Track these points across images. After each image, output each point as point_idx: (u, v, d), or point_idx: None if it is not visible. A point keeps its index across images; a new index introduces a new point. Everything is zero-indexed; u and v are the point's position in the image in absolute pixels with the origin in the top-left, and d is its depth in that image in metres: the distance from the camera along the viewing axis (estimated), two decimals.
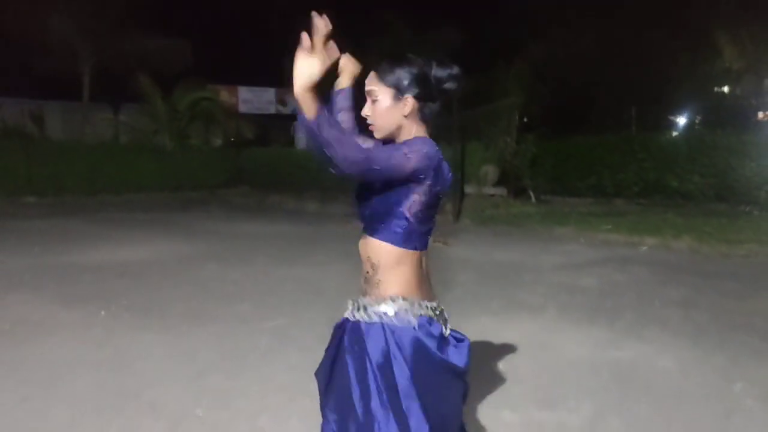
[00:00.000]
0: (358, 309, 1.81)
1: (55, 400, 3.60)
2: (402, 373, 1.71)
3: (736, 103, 23.50)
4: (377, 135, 1.85)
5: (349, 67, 2.03)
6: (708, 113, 22.24)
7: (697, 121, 22.67)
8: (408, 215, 1.75)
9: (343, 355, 1.80)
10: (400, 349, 1.73)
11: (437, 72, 1.83)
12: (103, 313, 5.47)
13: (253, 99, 27.19)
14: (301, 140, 24.37)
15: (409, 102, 1.80)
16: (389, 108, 1.80)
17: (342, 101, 2.07)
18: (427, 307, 1.82)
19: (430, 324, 1.79)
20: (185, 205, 15.16)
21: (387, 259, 1.79)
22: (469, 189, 14.41)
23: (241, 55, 26.14)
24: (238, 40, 27.34)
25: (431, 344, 1.76)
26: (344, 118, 2.06)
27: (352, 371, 1.76)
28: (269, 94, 27.79)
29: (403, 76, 1.79)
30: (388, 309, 1.77)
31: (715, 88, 24.86)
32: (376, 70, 1.82)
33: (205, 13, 26.93)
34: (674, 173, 13.66)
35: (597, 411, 3.53)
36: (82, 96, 21.19)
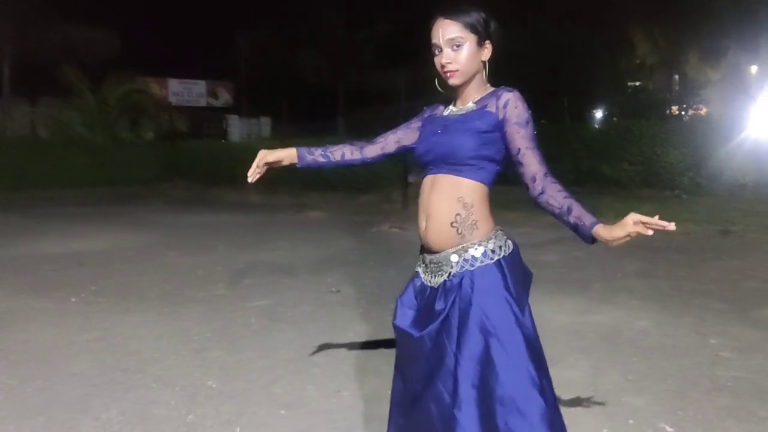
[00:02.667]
0: (467, 261, 1.85)
1: (59, 379, 3.51)
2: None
3: (651, 97, 24.84)
4: (457, 81, 1.88)
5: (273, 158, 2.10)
6: (624, 107, 23.38)
7: (614, 117, 23.73)
8: (500, 159, 1.87)
9: (456, 308, 1.83)
10: (512, 273, 1.85)
11: (492, 22, 1.92)
12: (74, 299, 5.31)
13: (183, 91, 26.55)
14: (234, 133, 24.02)
15: (489, 47, 1.88)
16: (474, 54, 1.86)
17: (327, 154, 2.15)
18: None
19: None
20: (122, 199, 14.65)
21: (480, 198, 1.86)
22: (411, 178, 14.61)
23: (170, 46, 25.49)
24: (167, 31, 26.64)
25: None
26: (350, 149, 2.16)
27: (486, 321, 1.79)
28: (200, 86, 27.22)
29: (481, 21, 1.86)
30: (498, 242, 1.86)
31: (630, 83, 26.21)
32: (453, 17, 1.84)
33: (132, 2, 26.08)
34: (606, 162, 14.29)
35: (595, 366, 3.75)
36: (0, 89, 20.06)
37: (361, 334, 4.36)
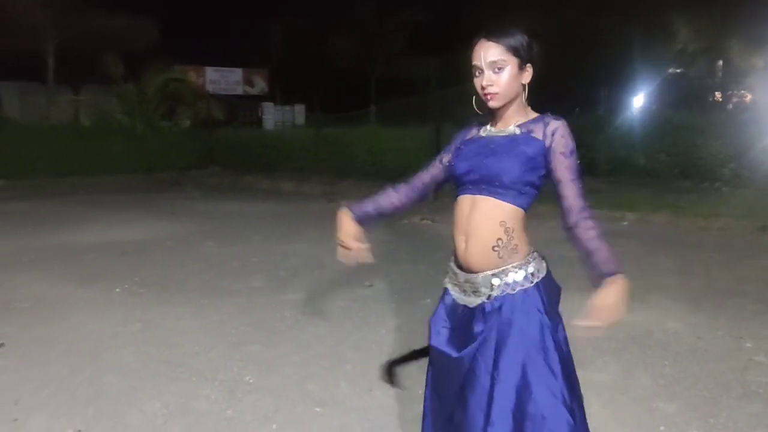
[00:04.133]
0: (508, 285, 1.88)
1: (105, 370, 3.68)
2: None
3: (691, 84, 24.29)
4: (496, 104, 1.88)
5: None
6: (664, 95, 22.90)
7: (653, 106, 23.25)
8: (540, 185, 1.89)
9: (494, 330, 1.86)
10: (548, 294, 1.91)
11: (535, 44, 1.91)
12: (118, 290, 5.50)
13: (220, 79, 26.92)
14: (269, 121, 24.23)
15: (529, 70, 1.89)
16: (515, 77, 1.86)
17: (378, 205, 2.13)
18: None
19: None
20: (159, 186, 14.98)
21: (520, 223, 1.89)
22: None
23: (207, 34, 25.80)
24: (204, 18, 26.93)
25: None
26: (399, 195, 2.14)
27: (525, 342, 1.83)
28: (236, 74, 27.56)
29: (524, 44, 1.86)
30: (536, 265, 1.91)
31: (670, 70, 25.63)
32: (497, 39, 1.84)
33: None
34: (642, 152, 14.07)
35: (625, 369, 3.78)
36: (44, 77, 20.56)
37: (393, 331, 4.45)
